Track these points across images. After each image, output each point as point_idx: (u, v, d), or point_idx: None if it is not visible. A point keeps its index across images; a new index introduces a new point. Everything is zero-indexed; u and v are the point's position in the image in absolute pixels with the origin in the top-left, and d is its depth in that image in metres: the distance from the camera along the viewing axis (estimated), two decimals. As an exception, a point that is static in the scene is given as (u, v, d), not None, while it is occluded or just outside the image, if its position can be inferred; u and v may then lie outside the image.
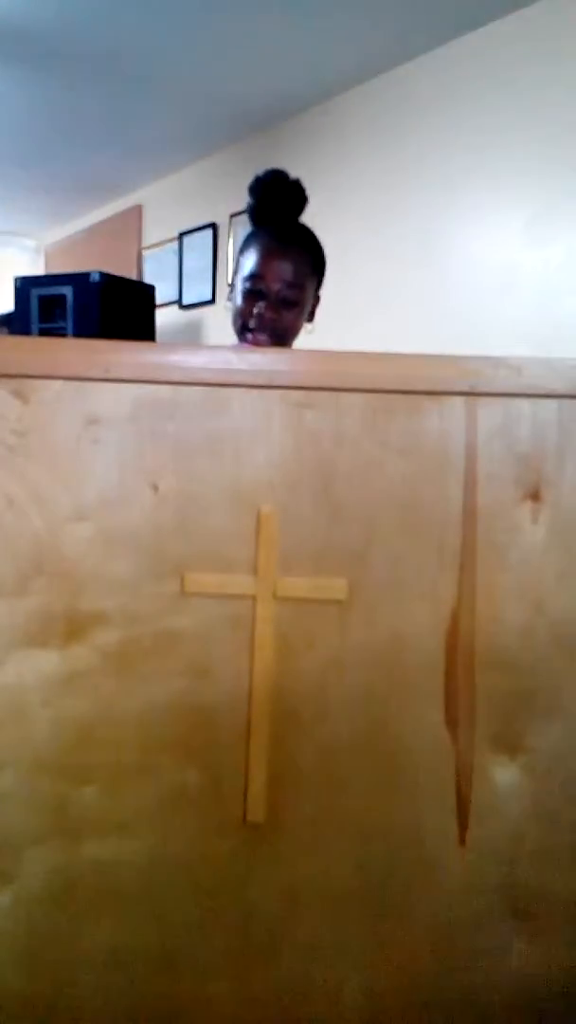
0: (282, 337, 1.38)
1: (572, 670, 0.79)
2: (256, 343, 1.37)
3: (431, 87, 2.89)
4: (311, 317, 1.46)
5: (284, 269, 1.35)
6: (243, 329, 1.39)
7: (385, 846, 0.80)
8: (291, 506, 0.77)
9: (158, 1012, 0.81)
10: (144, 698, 0.78)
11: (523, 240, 2.60)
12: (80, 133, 3.77)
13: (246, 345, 1.39)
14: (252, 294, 1.37)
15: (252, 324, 1.37)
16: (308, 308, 1.42)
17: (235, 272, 1.43)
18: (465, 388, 0.77)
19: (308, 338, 1.43)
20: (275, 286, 1.35)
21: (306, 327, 1.44)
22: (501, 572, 0.78)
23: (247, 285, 1.37)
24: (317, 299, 1.46)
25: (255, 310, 1.36)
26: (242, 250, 1.42)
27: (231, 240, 3.85)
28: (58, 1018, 0.80)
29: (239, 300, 1.39)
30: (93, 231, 5.07)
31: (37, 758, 0.78)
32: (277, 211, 1.41)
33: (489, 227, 2.71)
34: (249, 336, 1.38)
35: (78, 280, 3.66)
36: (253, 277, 1.36)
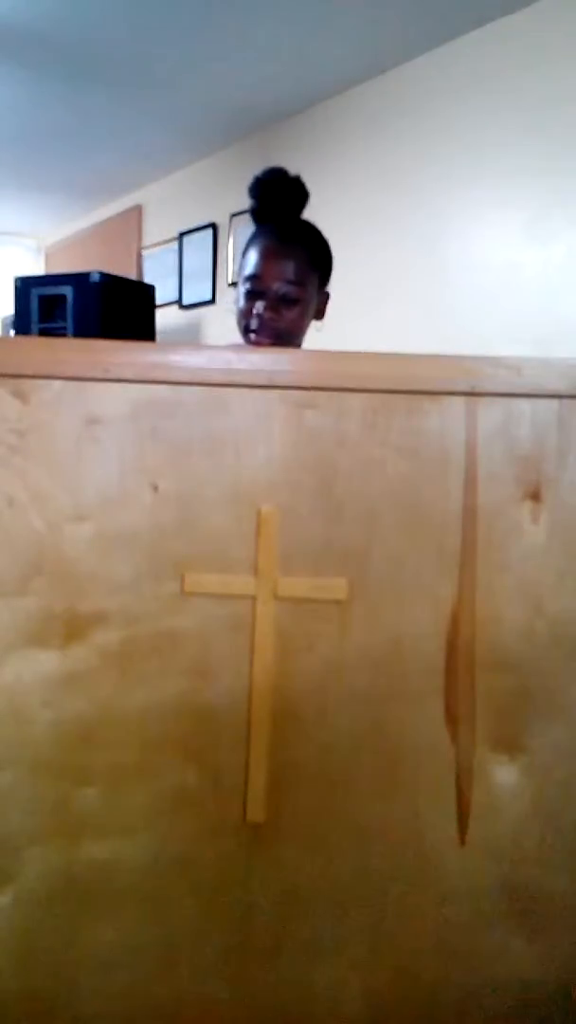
0: (284, 337, 1.38)
1: (572, 670, 0.79)
2: (258, 344, 1.37)
3: (431, 87, 2.89)
4: (320, 315, 1.45)
5: (282, 268, 1.35)
6: (246, 330, 1.39)
7: (385, 846, 0.80)
8: (291, 506, 0.77)
9: (158, 1012, 0.80)
10: (144, 698, 0.78)
11: (523, 240, 2.60)
12: (80, 133, 3.76)
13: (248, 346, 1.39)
14: (252, 295, 1.37)
15: (253, 325, 1.37)
16: (312, 305, 1.42)
17: (238, 272, 1.43)
18: (465, 388, 0.77)
19: (309, 336, 1.42)
20: (274, 285, 1.35)
21: (315, 324, 1.43)
22: (501, 572, 0.78)
23: (247, 286, 1.37)
24: (326, 296, 1.45)
25: (255, 311, 1.36)
26: (244, 251, 1.42)
27: (231, 240, 3.85)
28: (58, 1018, 0.80)
29: (241, 301, 1.39)
30: (93, 231, 5.07)
31: (37, 758, 0.78)
32: (278, 209, 1.41)
33: (489, 227, 2.71)
34: (252, 337, 1.38)
35: (78, 280, 3.66)
36: (252, 278, 1.36)
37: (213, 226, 4.00)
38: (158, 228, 4.46)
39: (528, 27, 2.56)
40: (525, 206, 2.59)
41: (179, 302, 4.25)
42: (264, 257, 1.36)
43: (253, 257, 1.37)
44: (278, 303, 1.36)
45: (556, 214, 2.50)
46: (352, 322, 2.84)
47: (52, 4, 2.63)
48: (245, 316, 1.38)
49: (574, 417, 0.77)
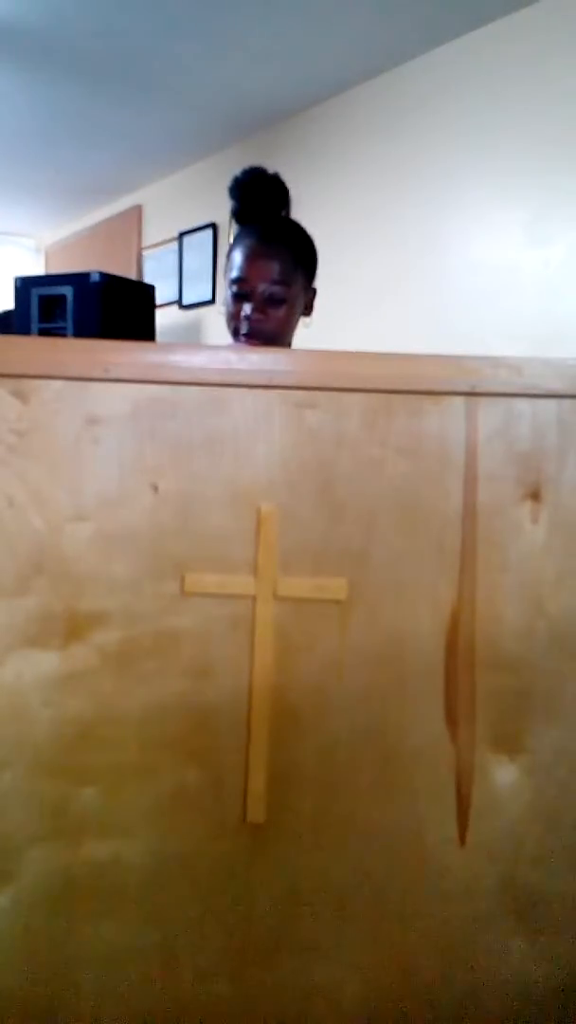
0: (273, 337, 1.37)
1: (572, 670, 0.79)
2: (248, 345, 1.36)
3: (431, 87, 2.89)
4: (309, 311, 1.45)
5: (267, 268, 1.35)
6: (235, 333, 1.39)
7: (385, 846, 0.80)
8: (291, 506, 0.77)
9: (158, 1012, 0.80)
10: (144, 698, 0.78)
11: (523, 240, 2.60)
12: (80, 133, 3.77)
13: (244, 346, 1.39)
14: (238, 297, 1.36)
15: (243, 328, 1.37)
16: (300, 303, 1.41)
17: (225, 275, 1.43)
18: (465, 388, 0.77)
19: (308, 336, 1.42)
20: (260, 286, 1.35)
21: (303, 321, 1.43)
22: (501, 572, 0.78)
23: (233, 288, 1.37)
24: (313, 291, 1.45)
25: (242, 313, 1.36)
26: (229, 253, 1.42)
27: (231, 240, 3.86)
28: (58, 1018, 0.80)
29: (229, 304, 1.39)
30: (93, 231, 5.08)
31: (37, 758, 0.78)
32: (259, 209, 1.40)
33: (489, 227, 2.71)
34: (241, 339, 1.38)
35: (78, 280, 3.66)
36: (238, 280, 1.36)
37: (213, 226, 4.00)
38: (158, 228, 4.46)
39: (528, 27, 2.56)
40: (525, 206, 2.59)
41: (179, 302, 4.25)
42: (248, 258, 1.36)
43: (237, 259, 1.37)
44: (265, 304, 1.35)
45: (556, 214, 2.50)
46: (352, 322, 2.85)
47: (52, 5, 2.64)
48: (233, 319, 1.38)
49: (574, 417, 0.77)
